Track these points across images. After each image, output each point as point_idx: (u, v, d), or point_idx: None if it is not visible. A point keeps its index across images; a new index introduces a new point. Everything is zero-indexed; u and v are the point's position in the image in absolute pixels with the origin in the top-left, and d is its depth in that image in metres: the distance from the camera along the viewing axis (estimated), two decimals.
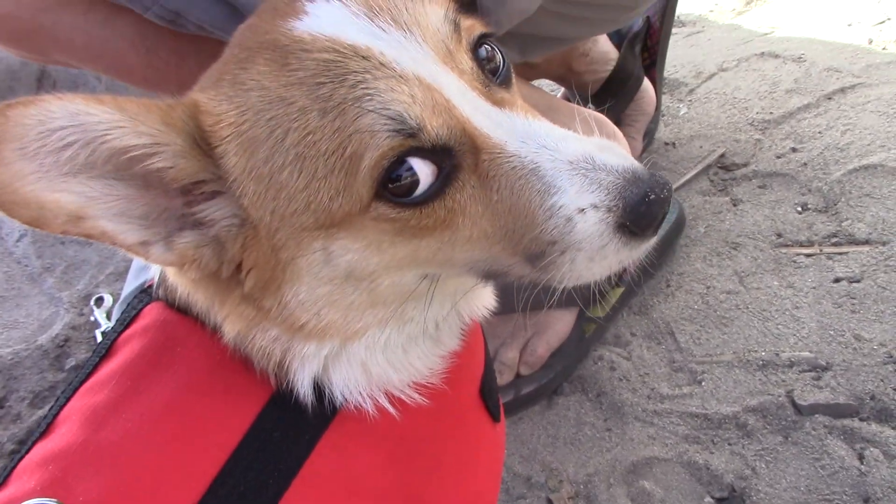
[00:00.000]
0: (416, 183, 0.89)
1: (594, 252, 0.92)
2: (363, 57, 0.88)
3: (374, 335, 1.05)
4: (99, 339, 2.48)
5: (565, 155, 0.91)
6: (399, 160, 0.87)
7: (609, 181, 0.89)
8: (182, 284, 1.05)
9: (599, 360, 2.15)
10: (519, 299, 2.05)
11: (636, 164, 0.93)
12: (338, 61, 0.87)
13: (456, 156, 0.91)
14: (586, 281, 0.96)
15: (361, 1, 0.94)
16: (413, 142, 0.87)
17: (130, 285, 2.13)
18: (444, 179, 0.91)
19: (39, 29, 1.28)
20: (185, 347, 1.07)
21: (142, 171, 0.87)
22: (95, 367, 1.14)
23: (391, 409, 1.08)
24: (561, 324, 2.12)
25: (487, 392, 1.27)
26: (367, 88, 0.86)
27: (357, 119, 0.85)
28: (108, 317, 2.47)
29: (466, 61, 0.96)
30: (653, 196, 0.88)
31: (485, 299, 1.24)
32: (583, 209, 0.89)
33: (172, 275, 1.05)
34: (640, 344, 2.18)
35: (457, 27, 0.97)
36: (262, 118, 0.89)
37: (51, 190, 0.83)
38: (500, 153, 0.92)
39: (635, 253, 0.94)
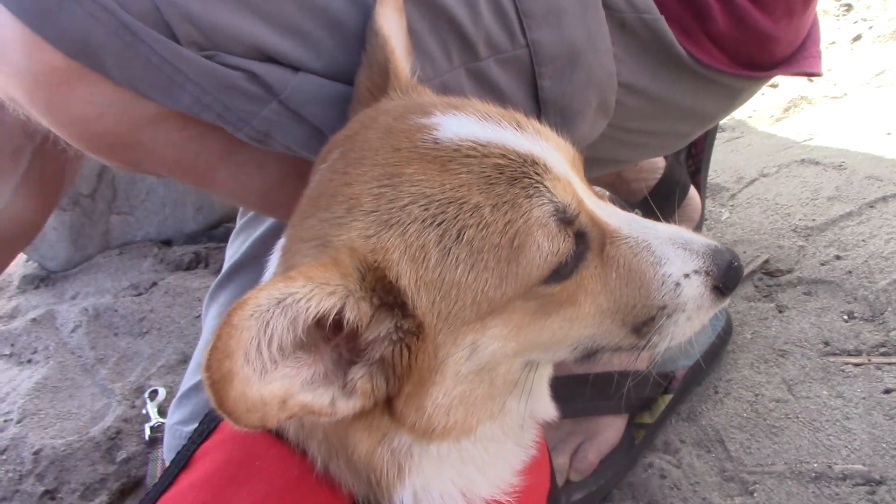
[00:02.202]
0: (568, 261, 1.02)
1: (693, 311, 1.09)
2: (533, 162, 1.01)
3: (482, 430, 1.09)
4: (147, 434, 2.52)
5: (664, 234, 1.10)
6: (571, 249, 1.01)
7: (703, 251, 1.09)
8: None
9: (649, 468, 2.14)
10: (571, 405, 2.06)
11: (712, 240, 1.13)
12: (511, 164, 1.00)
13: (588, 240, 1.05)
14: (681, 340, 1.12)
15: (500, 116, 1.08)
16: (570, 228, 1.01)
17: (189, 380, 2.17)
18: (577, 259, 1.03)
19: (137, 144, 1.34)
20: (263, 462, 1.10)
21: (320, 332, 0.89)
22: (175, 478, 1.18)
23: None
24: (611, 430, 2.13)
25: None
26: (538, 186, 0.99)
27: (529, 211, 0.97)
28: (160, 411, 2.52)
29: (581, 170, 1.14)
30: (735, 263, 1.10)
31: (548, 401, 1.28)
32: (688, 275, 1.08)
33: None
34: (689, 451, 2.17)
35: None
36: (429, 224, 0.95)
37: (267, 383, 0.81)
38: (618, 237, 1.08)
39: (717, 309, 1.12)
